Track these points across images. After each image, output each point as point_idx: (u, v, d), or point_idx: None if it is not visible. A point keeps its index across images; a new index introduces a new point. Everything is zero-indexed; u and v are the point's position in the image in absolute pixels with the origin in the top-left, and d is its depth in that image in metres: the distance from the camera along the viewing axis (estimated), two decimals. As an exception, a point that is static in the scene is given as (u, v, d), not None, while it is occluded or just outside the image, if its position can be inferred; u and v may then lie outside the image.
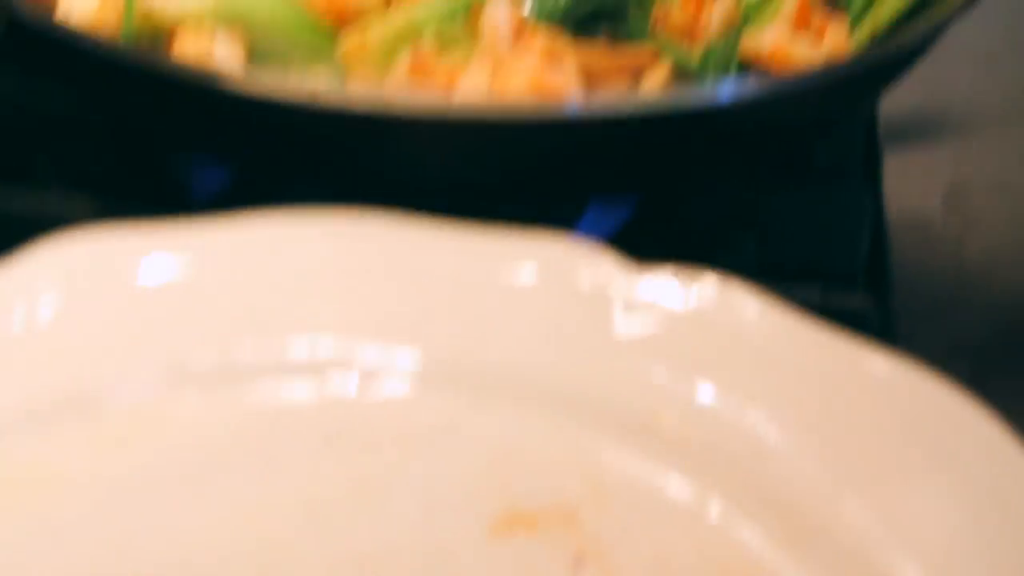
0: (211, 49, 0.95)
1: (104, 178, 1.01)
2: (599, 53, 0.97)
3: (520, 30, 0.94)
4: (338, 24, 0.99)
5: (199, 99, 0.87)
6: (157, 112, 0.94)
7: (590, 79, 0.96)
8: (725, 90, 0.86)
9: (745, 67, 1.02)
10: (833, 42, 1.02)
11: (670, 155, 0.90)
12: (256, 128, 0.89)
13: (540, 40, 0.94)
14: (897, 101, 1.09)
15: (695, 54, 1.02)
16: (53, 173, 1.01)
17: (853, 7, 1.08)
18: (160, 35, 0.98)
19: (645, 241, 0.97)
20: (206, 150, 0.96)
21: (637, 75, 0.98)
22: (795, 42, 1.00)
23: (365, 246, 0.80)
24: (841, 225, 1.00)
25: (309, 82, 0.93)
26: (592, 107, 0.86)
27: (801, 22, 1.02)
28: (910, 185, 1.09)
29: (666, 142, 0.88)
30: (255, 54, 0.97)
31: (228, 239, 0.79)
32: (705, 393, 0.74)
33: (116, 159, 1.03)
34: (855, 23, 1.07)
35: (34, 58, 0.99)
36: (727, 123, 0.88)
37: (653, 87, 0.95)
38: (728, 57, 1.01)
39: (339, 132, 0.86)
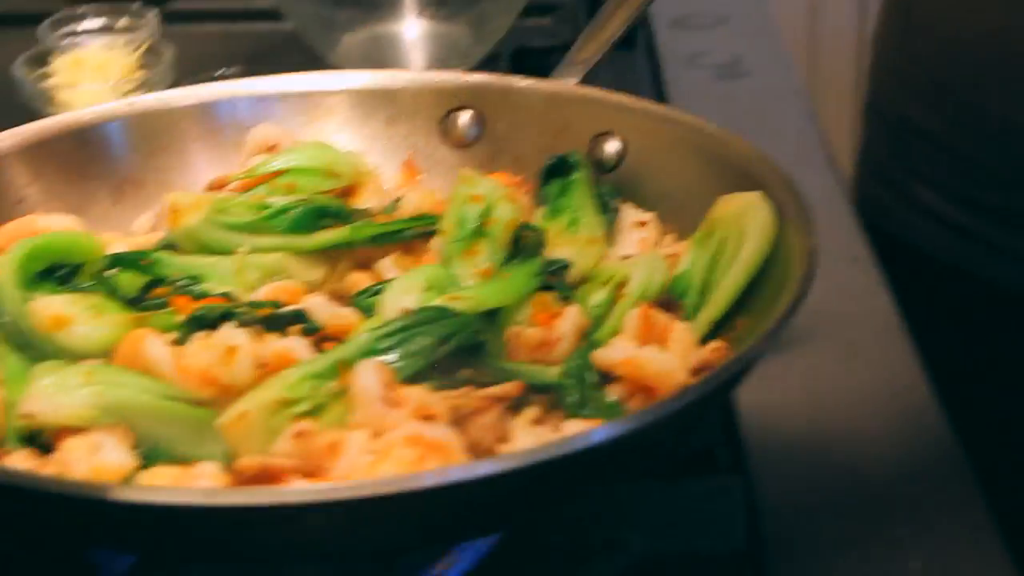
0: (97, 446, 0.98)
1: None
2: (467, 395, 1.03)
3: (390, 391, 1.00)
4: (215, 401, 1.03)
5: (86, 510, 0.90)
6: (52, 524, 0.97)
7: (461, 421, 1.02)
8: (598, 433, 0.91)
9: (603, 378, 1.09)
10: (680, 344, 1.10)
11: (547, 493, 0.96)
12: (142, 528, 0.92)
13: (412, 400, 0.99)
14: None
15: (552, 372, 1.09)
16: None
17: (687, 305, 1.16)
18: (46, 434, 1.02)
19: (529, 558, 1.03)
20: (102, 547, 0.99)
21: (507, 406, 1.04)
22: (644, 352, 1.07)
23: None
24: (716, 510, 1.07)
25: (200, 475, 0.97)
26: (477, 469, 0.91)
27: (645, 333, 1.10)
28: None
29: (544, 486, 0.94)
30: (140, 441, 1.01)
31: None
32: None
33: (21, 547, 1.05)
34: (691, 317, 1.16)
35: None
36: (602, 459, 0.94)
37: (526, 424, 1.01)
38: (583, 371, 1.09)
39: (219, 529, 0.90)
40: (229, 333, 1.04)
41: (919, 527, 1.09)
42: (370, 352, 1.04)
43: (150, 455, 1.00)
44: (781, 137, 1.75)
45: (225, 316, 1.08)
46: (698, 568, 1.06)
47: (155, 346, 1.04)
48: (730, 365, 0.98)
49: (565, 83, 1.39)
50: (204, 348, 1.04)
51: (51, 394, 1.00)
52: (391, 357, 1.04)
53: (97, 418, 1.00)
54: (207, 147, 1.39)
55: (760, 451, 1.16)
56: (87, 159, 1.34)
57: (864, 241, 1.54)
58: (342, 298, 1.23)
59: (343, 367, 1.03)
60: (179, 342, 1.07)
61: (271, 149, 1.36)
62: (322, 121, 1.41)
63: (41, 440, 1.02)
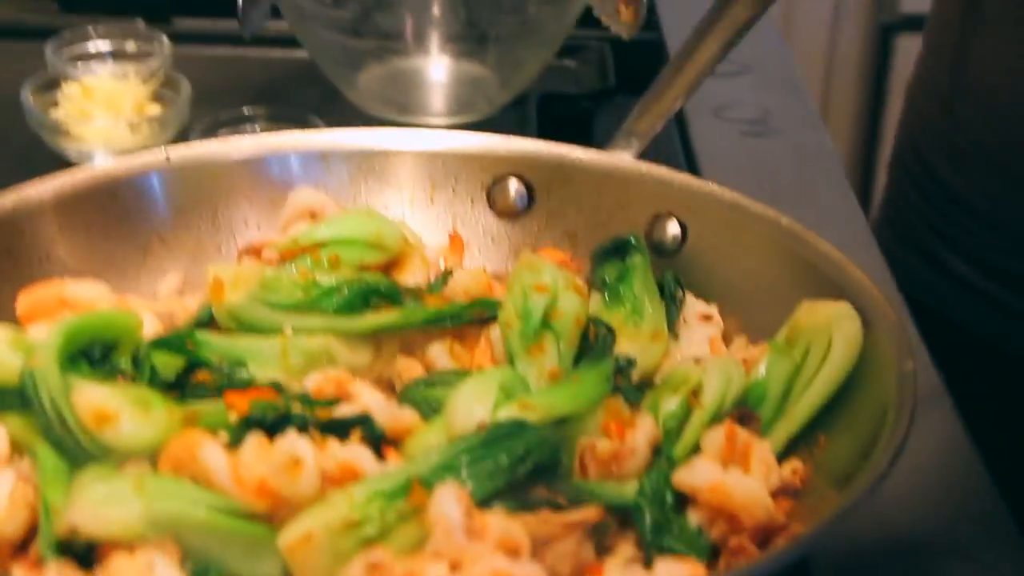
0: (148, 567, 0.90)
1: None
2: (546, 520, 0.96)
3: (471, 518, 0.92)
4: (273, 516, 0.95)
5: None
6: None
7: (539, 549, 0.95)
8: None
9: (680, 498, 1.02)
10: (763, 465, 1.04)
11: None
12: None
13: (493, 529, 0.92)
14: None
15: (628, 491, 1.02)
16: None
17: (764, 417, 1.10)
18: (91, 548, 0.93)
19: None
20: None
21: (587, 532, 0.97)
22: (731, 478, 1.01)
23: None
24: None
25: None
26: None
27: (729, 454, 1.03)
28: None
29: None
30: (191, 556, 0.93)
31: None
32: None
33: None
34: (767, 429, 1.10)
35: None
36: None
37: (620, 565, 0.95)
38: (662, 492, 1.02)
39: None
40: (292, 443, 0.96)
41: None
42: (446, 470, 0.96)
43: (201, 573, 0.92)
44: (815, 202, 1.69)
45: (283, 419, 1.00)
46: None
47: (212, 453, 0.95)
48: (844, 511, 0.92)
49: (622, 157, 1.32)
50: (263, 457, 0.96)
51: (98, 505, 0.92)
52: (465, 475, 0.97)
53: (146, 533, 0.92)
54: (244, 205, 1.30)
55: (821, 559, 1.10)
56: (118, 215, 1.25)
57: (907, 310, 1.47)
58: (388, 385, 1.16)
59: (416, 486, 0.95)
60: (232, 444, 0.99)
61: (313, 215, 1.28)
62: (367, 182, 1.33)
63: (77, 548, 0.94)
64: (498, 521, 0.93)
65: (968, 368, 1.44)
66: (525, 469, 0.98)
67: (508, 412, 1.02)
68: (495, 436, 0.99)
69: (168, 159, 1.28)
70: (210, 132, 1.57)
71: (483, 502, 0.96)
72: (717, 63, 1.35)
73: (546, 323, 1.14)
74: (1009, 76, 1.62)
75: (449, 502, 0.93)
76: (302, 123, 1.58)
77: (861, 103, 2.86)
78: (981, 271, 1.69)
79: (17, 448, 1.02)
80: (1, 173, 1.56)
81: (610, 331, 1.15)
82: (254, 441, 0.98)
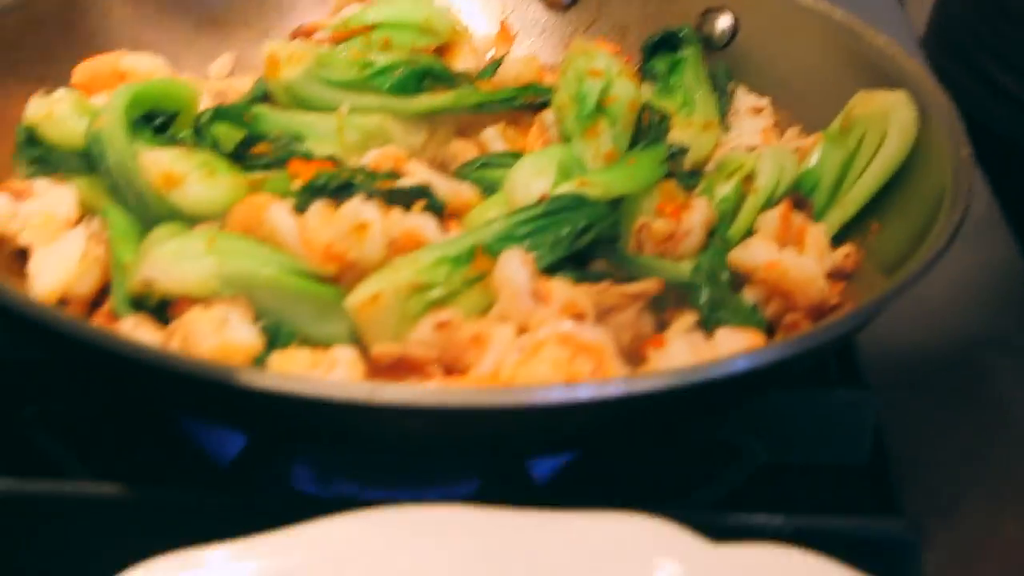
0: (223, 321, 0.92)
1: (123, 457, 0.97)
2: (607, 290, 0.98)
3: (536, 283, 0.94)
4: (340, 278, 0.97)
5: (215, 392, 0.84)
6: (171, 400, 0.91)
7: (601, 318, 0.97)
8: (773, 351, 0.87)
9: (736, 277, 1.04)
10: (816, 247, 1.05)
11: (706, 406, 0.92)
12: (271, 413, 0.87)
13: (558, 295, 0.94)
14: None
15: (683, 269, 1.04)
16: (75, 460, 0.96)
17: (817, 204, 1.11)
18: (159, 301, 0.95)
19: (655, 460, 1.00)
20: (221, 426, 0.94)
21: (645, 303, 0.99)
22: (787, 257, 1.02)
23: (455, 541, 0.78)
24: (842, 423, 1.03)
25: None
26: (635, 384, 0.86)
27: (782, 234, 1.05)
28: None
29: (710, 399, 0.90)
30: (262, 315, 0.95)
31: (323, 546, 0.77)
32: None
33: (132, 432, 0.99)
34: (820, 215, 1.11)
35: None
36: (765, 375, 0.90)
37: (681, 332, 0.96)
38: (717, 270, 1.04)
39: (366, 422, 0.85)
40: (358, 207, 0.97)
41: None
42: (509, 239, 0.98)
43: (273, 332, 0.94)
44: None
45: (347, 186, 1.01)
46: (821, 479, 1.03)
47: (281, 215, 0.97)
48: (895, 290, 0.93)
49: (675, -49, 1.31)
50: (330, 221, 0.98)
51: (173, 261, 0.93)
52: (528, 244, 0.98)
53: (219, 289, 0.93)
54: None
55: (872, 359, 1.13)
56: (168, -9, 1.25)
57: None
58: (442, 166, 1.17)
59: (480, 253, 0.97)
60: (298, 209, 1.00)
61: (358, -9, 1.27)
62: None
63: (149, 305, 0.96)
64: (563, 287, 0.95)
65: (1018, 183, 1.44)
66: (585, 241, 0.99)
67: (568, 187, 1.03)
68: (556, 208, 1.00)
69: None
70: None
71: (546, 270, 0.97)
72: None
73: (600, 107, 1.14)
74: None
75: (515, 266, 0.94)
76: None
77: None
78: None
79: (85, 209, 1.03)
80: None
81: (664, 117, 1.15)
82: (320, 206, 0.99)
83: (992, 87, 1.71)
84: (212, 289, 0.93)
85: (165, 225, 0.98)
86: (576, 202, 1.01)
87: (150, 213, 1.00)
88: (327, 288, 0.96)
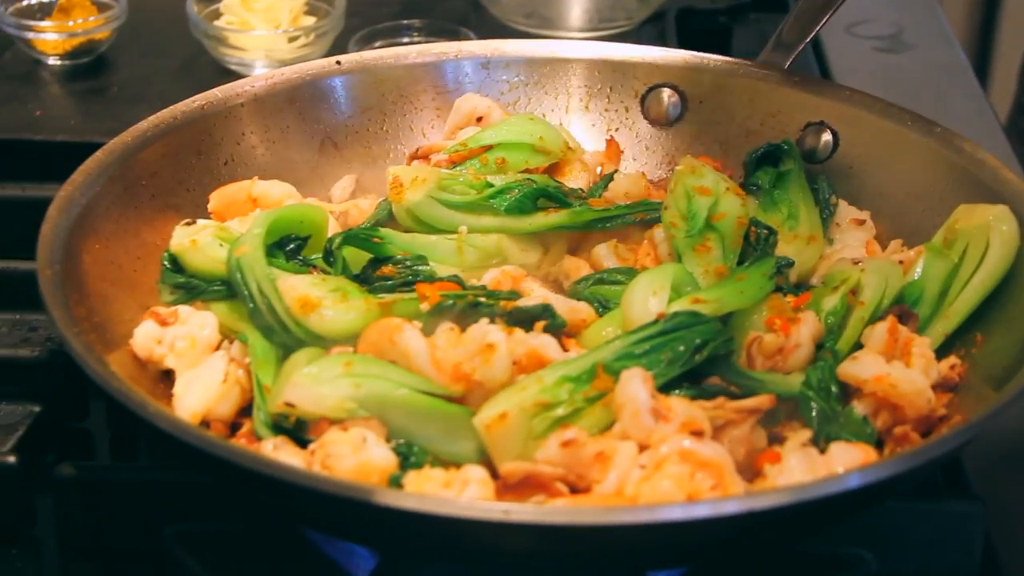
0: (361, 442, 0.97)
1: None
2: (722, 406, 1.02)
3: (656, 401, 0.98)
4: (467, 397, 1.02)
5: (357, 512, 0.89)
6: (311, 519, 0.97)
7: (716, 433, 1.01)
8: (896, 464, 0.91)
9: (846, 390, 1.08)
10: (923, 359, 1.09)
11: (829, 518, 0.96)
12: (408, 532, 0.91)
13: (677, 412, 0.98)
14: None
15: (794, 382, 1.07)
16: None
17: (921, 316, 1.14)
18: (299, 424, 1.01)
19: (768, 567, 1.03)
20: (358, 543, 0.99)
21: (759, 418, 1.03)
22: (896, 370, 1.06)
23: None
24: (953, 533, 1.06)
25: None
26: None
27: (891, 348, 1.08)
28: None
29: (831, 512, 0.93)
30: (394, 435, 1.00)
31: None
32: None
33: (267, 551, 1.05)
34: (924, 327, 1.15)
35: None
36: (883, 488, 0.93)
37: (796, 447, 1.00)
38: (828, 383, 1.07)
39: (503, 540, 0.89)
40: (485, 329, 1.03)
41: None
42: (628, 357, 1.02)
43: (405, 451, 0.99)
44: (951, 115, 1.71)
45: (472, 308, 1.06)
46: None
47: (413, 338, 1.02)
48: (1005, 404, 0.96)
49: (773, 67, 1.36)
50: (458, 342, 1.03)
51: (312, 384, 0.99)
52: (646, 362, 1.03)
53: (355, 411, 0.99)
54: (411, 112, 1.36)
55: (978, 468, 1.15)
56: (295, 119, 1.32)
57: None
58: (555, 283, 1.22)
59: (601, 371, 1.01)
60: (426, 331, 1.05)
61: (479, 120, 1.34)
62: (526, 90, 1.39)
63: (287, 426, 1.02)
64: (681, 405, 0.99)
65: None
66: (701, 358, 1.04)
67: (682, 304, 1.08)
68: (672, 327, 1.04)
69: (339, 64, 1.34)
70: (367, 43, 1.63)
71: (664, 388, 1.02)
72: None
73: (709, 224, 1.20)
74: None
75: (636, 385, 0.99)
76: (453, 35, 1.63)
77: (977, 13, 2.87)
78: None
79: (226, 334, 1.10)
80: (166, 82, 1.65)
81: (771, 232, 1.20)
82: (447, 328, 1.04)
83: None
84: (348, 410, 0.99)
85: (303, 350, 1.04)
86: (691, 320, 1.05)
87: (288, 337, 1.06)
88: (456, 407, 1.01)
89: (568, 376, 1.01)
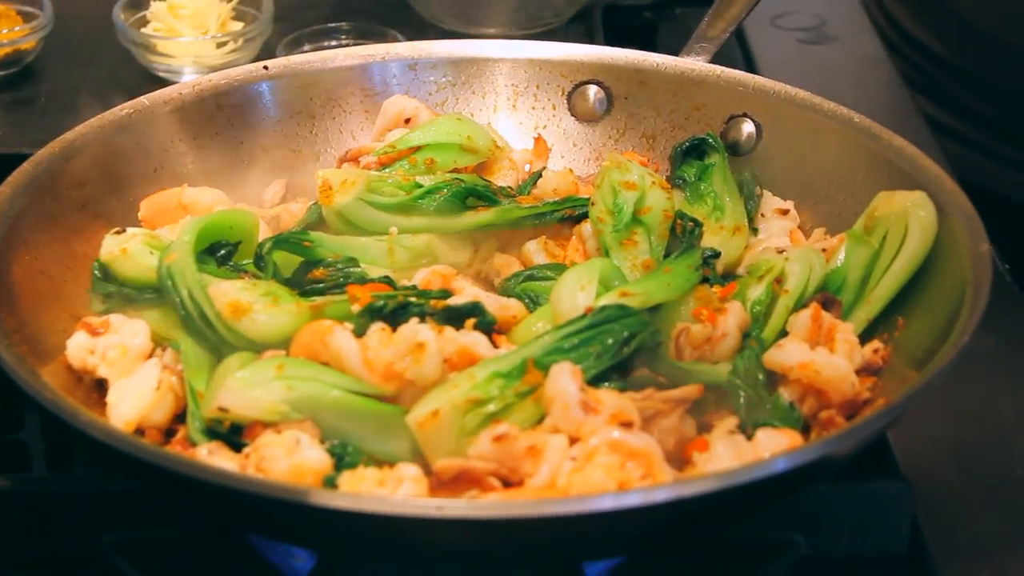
0: (295, 444, 0.98)
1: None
2: (651, 397, 1.03)
3: (586, 394, 1.00)
4: (400, 396, 1.03)
5: (293, 513, 0.90)
6: (248, 522, 0.97)
7: (645, 424, 1.02)
8: (785, 460, 0.93)
9: (772, 377, 1.10)
10: (847, 345, 1.11)
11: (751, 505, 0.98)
12: (345, 531, 0.93)
13: (607, 404, 1.00)
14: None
15: (721, 371, 1.09)
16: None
17: (844, 302, 1.17)
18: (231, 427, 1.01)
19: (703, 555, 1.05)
20: (295, 544, 1.00)
21: (687, 407, 1.05)
22: (820, 356, 1.08)
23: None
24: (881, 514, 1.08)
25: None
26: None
27: (815, 334, 1.11)
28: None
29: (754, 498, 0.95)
30: (329, 436, 1.01)
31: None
32: None
33: (205, 554, 1.05)
34: (848, 314, 1.17)
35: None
36: (809, 472, 0.95)
37: (724, 435, 1.02)
38: (754, 371, 1.09)
39: (438, 535, 0.90)
40: (415, 328, 1.04)
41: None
42: (557, 352, 1.04)
43: (339, 451, 1.00)
44: (873, 105, 1.74)
45: (403, 308, 1.07)
46: (860, 572, 1.08)
47: (344, 339, 1.03)
48: (925, 385, 0.99)
49: (696, 61, 1.38)
50: (390, 342, 1.04)
51: (245, 388, 1.00)
52: (575, 356, 1.04)
53: (288, 413, 1.00)
54: (339, 115, 1.37)
55: (904, 449, 1.17)
56: (223, 126, 1.32)
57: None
58: (486, 280, 1.24)
59: (531, 367, 1.03)
60: (358, 332, 1.06)
61: (407, 122, 1.35)
62: (454, 91, 1.40)
63: (221, 431, 1.02)
64: (610, 397, 1.01)
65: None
66: (629, 350, 1.06)
67: (610, 298, 1.09)
68: (600, 320, 1.06)
69: (267, 69, 1.35)
70: (295, 47, 1.64)
71: (593, 381, 1.03)
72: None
73: (636, 218, 1.21)
74: None
75: (565, 379, 1.00)
76: (381, 37, 1.64)
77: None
78: (945, 109, 1.76)
79: (158, 341, 1.10)
80: (94, 91, 1.65)
81: (696, 224, 1.22)
82: (378, 329, 1.05)
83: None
84: (281, 413, 1.00)
85: (236, 355, 1.05)
86: (619, 313, 1.07)
87: (220, 342, 1.06)
88: (388, 407, 1.02)
89: (499, 372, 1.03)
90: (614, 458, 0.97)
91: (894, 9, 1.84)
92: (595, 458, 0.97)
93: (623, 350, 1.06)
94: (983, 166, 1.76)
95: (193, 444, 1.02)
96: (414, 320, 1.05)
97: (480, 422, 1.01)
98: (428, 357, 1.03)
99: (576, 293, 1.10)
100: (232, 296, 1.08)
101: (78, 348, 1.08)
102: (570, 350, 1.04)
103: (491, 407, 1.01)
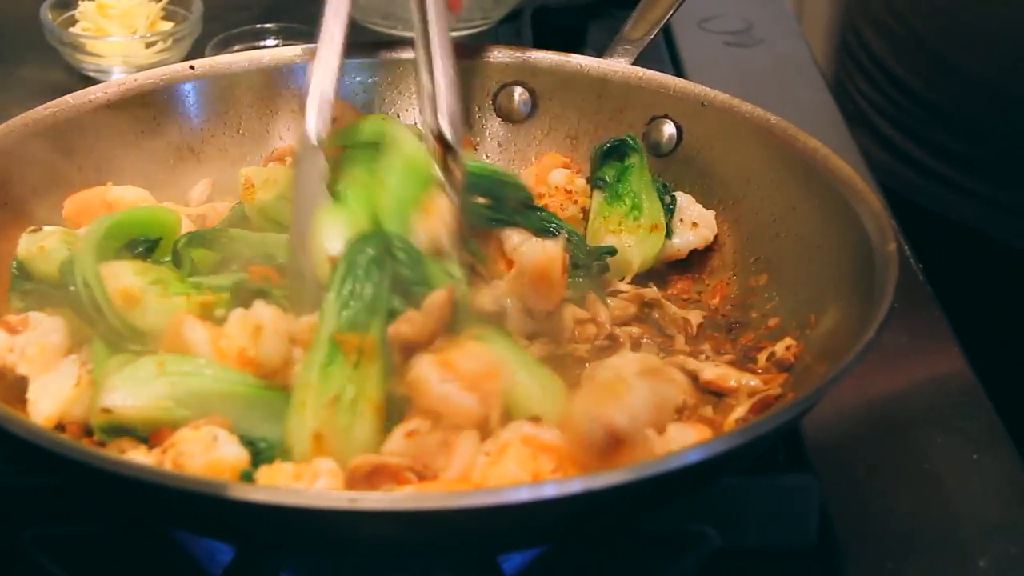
0: (212, 439, 0.99)
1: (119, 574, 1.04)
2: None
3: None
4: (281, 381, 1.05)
5: (209, 507, 0.91)
6: (166, 516, 0.98)
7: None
8: (696, 452, 0.95)
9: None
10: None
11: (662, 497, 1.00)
12: (261, 524, 0.94)
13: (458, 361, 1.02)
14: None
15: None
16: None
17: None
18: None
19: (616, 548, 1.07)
20: (214, 538, 1.01)
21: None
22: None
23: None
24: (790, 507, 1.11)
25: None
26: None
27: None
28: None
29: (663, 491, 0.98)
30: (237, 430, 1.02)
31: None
32: None
33: (126, 550, 1.06)
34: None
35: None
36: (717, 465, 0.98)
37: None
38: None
39: (356, 529, 0.92)
40: (256, 311, 1.05)
41: (983, 525, 1.14)
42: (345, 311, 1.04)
43: (256, 447, 1.01)
44: (796, 107, 1.77)
45: (262, 292, 1.09)
46: (772, 563, 1.10)
47: (194, 328, 1.04)
48: (829, 380, 1.01)
49: (619, 63, 1.40)
50: (240, 328, 1.05)
51: (126, 387, 1.00)
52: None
53: (173, 410, 1.01)
54: (266, 115, 1.38)
55: (817, 445, 1.20)
56: (149, 125, 1.33)
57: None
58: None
59: (340, 339, 1.02)
60: (222, 319, 1.07)
61: (333, 122, 1.36)
62: (379, 91, 1.42)
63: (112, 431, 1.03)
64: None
65: (938, 250, 1.53)
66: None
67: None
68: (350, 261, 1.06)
69: (193, 69, 1.36)
70: (224, 47, 1.64)
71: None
72: (706, -26, 1.44)
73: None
74: None
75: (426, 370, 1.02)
76: (310, 38, 1.64)
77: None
78: (918, 144, 1.79)
79: (77, 339, 1.11)
80: (20, 90, 1.64)
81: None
82: (238, 316, 1.06)
83: (889, 149, 1.81)
84: (166, 409, 1.01)
85: (118, 355, 1.06)
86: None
87: (115, 334, 1.07)
88: (271, 392, 1.04)
89: (322, 363, 1.02)
90: (526, 452, 0.99)
91: (874, 44, 1.86)
92: (508, 452, 0.99)
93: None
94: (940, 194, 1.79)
95: (103, 443, 1.02)
96: (260, 303, 1.06)
97: (352, 412, 1.01)
98: (266, 338, 1.04)
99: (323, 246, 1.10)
100: (125, 281, 1.08)
101: (-2, 346, 1.08)
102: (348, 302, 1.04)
103: (349, 393, 1.01)
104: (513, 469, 0.97)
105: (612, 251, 1.26)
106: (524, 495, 0.91)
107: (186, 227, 1.25)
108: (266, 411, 1.03)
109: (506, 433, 1.00)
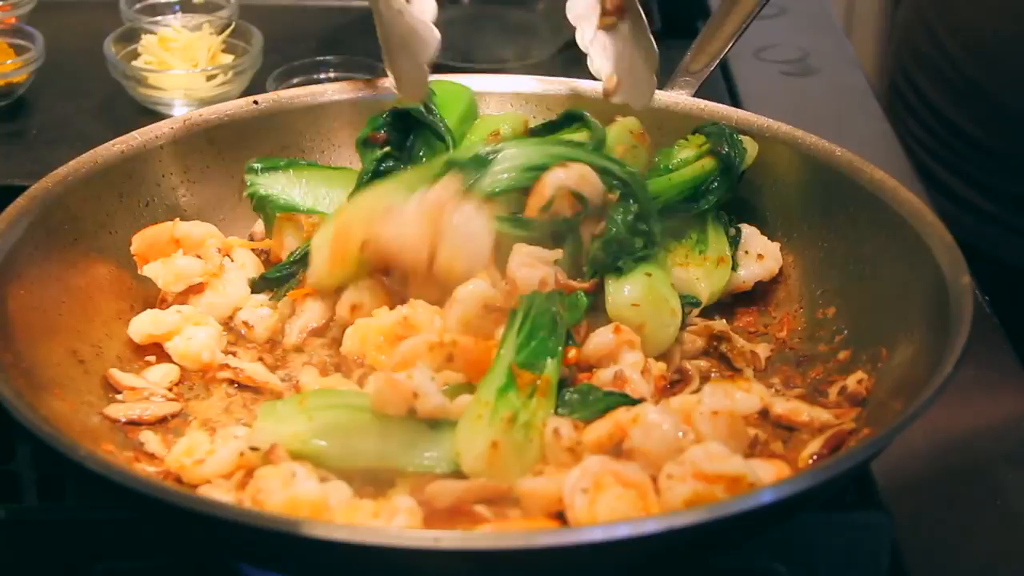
0: (290, 476, 0.99)
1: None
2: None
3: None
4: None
5: (288, 544, 0.92)
6: (243, 553, 0.99)
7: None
8: (772, 492, 0.95)
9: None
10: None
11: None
12: (340, 562, 0.94)
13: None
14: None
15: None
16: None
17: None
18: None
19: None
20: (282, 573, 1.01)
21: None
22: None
23: None
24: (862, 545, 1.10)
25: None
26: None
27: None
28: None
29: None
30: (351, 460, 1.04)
31: None
32: None
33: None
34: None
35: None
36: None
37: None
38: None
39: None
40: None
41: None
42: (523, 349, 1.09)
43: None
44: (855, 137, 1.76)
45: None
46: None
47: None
48: (908, 417, 1.00)
49: (681, 95, 1.40)
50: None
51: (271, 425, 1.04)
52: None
53: (310, 441, 1.04)
54: (328, 147, 1.39)
55: (887, 480, 1.19)
56: (214, 159, 1.34)
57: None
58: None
59: (517, 371, 1.07)
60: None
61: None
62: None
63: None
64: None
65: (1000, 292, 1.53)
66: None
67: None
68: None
69: (256, 104, 1.37)
70: (285, 79, 1.65)
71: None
72: (763, 6, 1.44)
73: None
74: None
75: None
76: (370, 70, 1.65)
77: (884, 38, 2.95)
78: (965, 183, 1.79)
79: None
80: (85, 123, 1.66)
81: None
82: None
83: (938, 188, 1.80)
84: (304, 441, 1.03)
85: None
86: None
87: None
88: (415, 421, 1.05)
89: (501, 387, 1.05)
90: (620, 489, 0.99)
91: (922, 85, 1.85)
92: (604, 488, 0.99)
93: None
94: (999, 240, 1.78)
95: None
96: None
97: (524, 434, 1.04)
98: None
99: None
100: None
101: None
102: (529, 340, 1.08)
103: (523, 417, 1.04)
104: (614, 507, 0.97)
105: (696, 302, 1.26)
106: (598, 535, 0.91)
107: (251, 263, 1.26)
108: (408, 439, 1.04)
109: (593, 465, 0.99)
